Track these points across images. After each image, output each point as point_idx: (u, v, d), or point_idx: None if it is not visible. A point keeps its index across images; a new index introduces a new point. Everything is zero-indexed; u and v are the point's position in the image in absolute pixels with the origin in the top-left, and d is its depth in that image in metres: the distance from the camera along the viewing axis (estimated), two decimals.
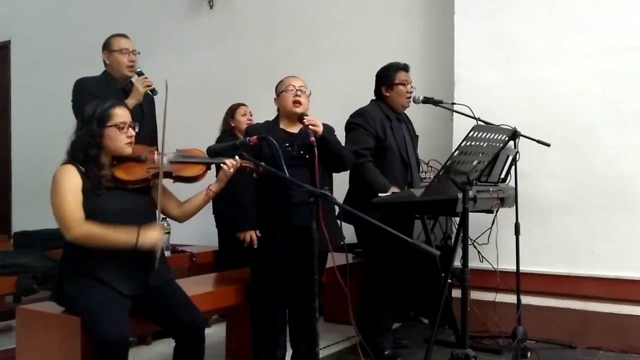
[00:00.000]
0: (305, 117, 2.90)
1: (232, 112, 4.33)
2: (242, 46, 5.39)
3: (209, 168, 2.58)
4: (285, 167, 2.69)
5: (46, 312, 2.43)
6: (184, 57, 5.62)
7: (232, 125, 4.29)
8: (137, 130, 2.49)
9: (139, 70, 3.48)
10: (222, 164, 2.54)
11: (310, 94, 3.01)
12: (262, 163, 2.54)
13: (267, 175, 2.69)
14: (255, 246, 2.86)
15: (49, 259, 3.53)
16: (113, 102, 2.48)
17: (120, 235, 2.30)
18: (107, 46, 3.50)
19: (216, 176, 2.72)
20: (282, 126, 3.00)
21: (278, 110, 3.06)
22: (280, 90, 3.00)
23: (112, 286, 2.34)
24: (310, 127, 2.85)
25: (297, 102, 2.94)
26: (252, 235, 2.86)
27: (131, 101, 3.30)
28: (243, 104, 4.37)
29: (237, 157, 2.54)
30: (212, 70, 5.52)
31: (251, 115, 4.30)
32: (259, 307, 3.00)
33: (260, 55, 5.24)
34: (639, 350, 3.44)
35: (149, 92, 3.40)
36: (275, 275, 2.94)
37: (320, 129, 2.88)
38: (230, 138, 4.12)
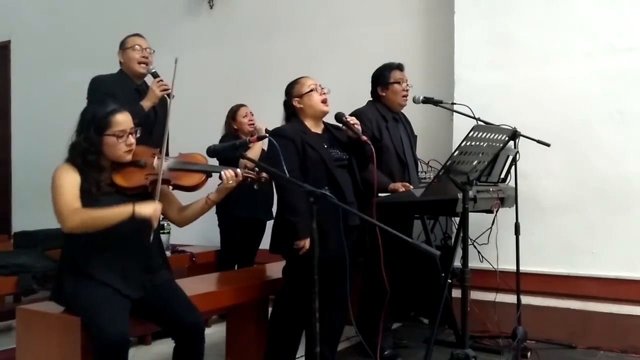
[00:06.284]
0: (346, 117, 2.90)
1: (233, 114, 4.29)
2: (242, 46, 5.39)
3: (209, 176, 2.54)
4: (332, 169, 2.73)
5: (46, 312, 2.43)
6: (184, 57, 5.58)
7: (235, 127, 4.25)
8: (138, 135, 2.47)
9: (154, 71, 3.47)
10: (221, 176, 2.46)
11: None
12: (264, 165, 2.52)
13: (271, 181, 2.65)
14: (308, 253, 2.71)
15: (49, 259, 3.52)
16: (114, 108, 2.42)
17: (116, 211, 2.28)
18: (121, 45, 3.51)
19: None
20: (309, 127, 2.92)
21: (295, 112, 2.94)
22: (302, 92, 2.91)
23: (111, 285, 2.34)
24: (355, 125, 2.86)
25: (325, 101, 2.92)
26: (308, 242, 2.68)
27: (146, 103, 3.30)
28: (243, 105, 4.33)
29: (238, 170, 2.47)
30: (212, 70, 5.52)
31: (252, 116, 4.28)
32: (291, 323, 2.86)
33: (260, 55, 5.23)
34: (639, 350, 3.44)
35: (165, 95, 3.34)
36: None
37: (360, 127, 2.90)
38: (234, 140, 4.09)
